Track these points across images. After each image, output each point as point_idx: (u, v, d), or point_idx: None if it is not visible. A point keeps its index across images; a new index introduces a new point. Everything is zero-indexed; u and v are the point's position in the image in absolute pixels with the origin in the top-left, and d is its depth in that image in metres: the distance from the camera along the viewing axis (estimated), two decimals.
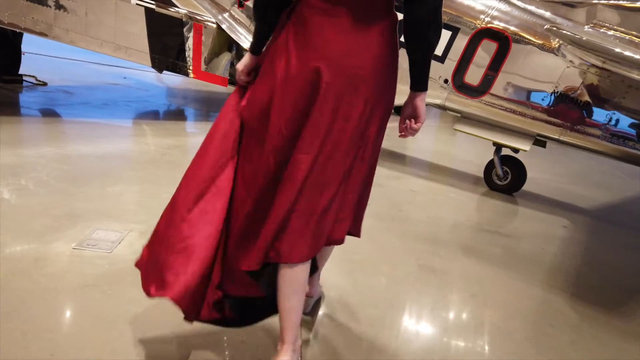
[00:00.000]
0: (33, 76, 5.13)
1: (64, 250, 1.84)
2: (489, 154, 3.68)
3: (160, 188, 2.58)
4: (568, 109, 3.18)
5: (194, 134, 4.05)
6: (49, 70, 5.71)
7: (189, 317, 1.29)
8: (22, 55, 4.96)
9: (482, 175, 3.81)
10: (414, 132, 1.32)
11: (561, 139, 3.26)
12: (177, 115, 5.05)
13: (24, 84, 4.92)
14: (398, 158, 4.40)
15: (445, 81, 3.51)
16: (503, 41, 3.32)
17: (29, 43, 4.83)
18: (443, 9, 1.20)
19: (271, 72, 1.23)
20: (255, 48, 1.30)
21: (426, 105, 1.34)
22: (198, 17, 4.28)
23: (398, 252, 2.32)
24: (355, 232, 1.41)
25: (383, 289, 1.94)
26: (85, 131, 3.51)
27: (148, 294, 1.24)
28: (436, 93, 3.55)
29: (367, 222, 1.44)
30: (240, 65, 1.30)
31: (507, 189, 3.67)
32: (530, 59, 3.26)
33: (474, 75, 3.42)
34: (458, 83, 3.47)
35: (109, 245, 1.94)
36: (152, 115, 4.68)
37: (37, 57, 6.23)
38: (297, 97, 1.19)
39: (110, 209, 2.26)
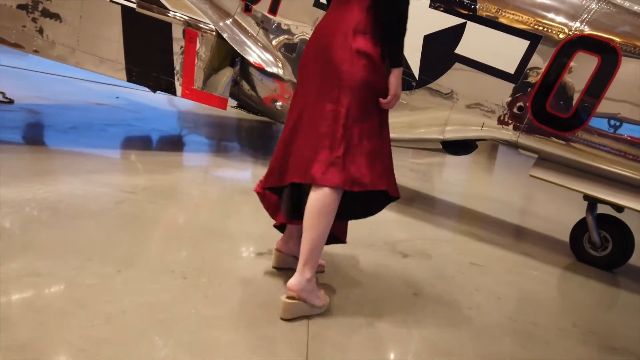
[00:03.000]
0: (1, 92, 4.30)
1: None
2: (563, 205, 2.66)
3: (75, 265, 1.61)
4: None
5: (178, 170, 3.10)
6: (28, 87, 4.88)
7: None
8: None
9: (560, 234, 2.78)
10: (385, 106, 1.59)
11: None
12: (169, 144, 4.12)
13: None
14: (438, 207, 3.38)
15: (520, 109, 2.52)
16: (608, 54, 2.33)
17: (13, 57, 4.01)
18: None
19: None
20: None
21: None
22: (193, 22, 3.40)
23: None
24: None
25: None
26: (21, 164, 2.59)
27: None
28: (504, 125, 2.56)
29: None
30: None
31: (605, 263, 2.61)
32: None
33: (562, 102, 2.43)
34: (539, 112, 2.48)
35: None
36: (133, 143, 3.76)
37: (18, 71, 5.44)
38: None
39: None
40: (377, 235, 2.40)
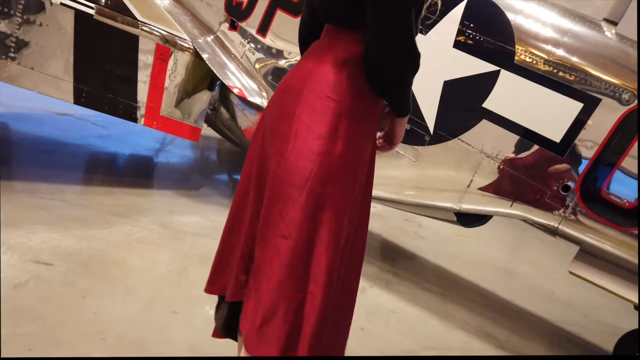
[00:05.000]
0: None
1: None
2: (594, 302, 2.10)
3: None
4: None
5: (125, 219, 2.37)
6: None
7: None
8: None
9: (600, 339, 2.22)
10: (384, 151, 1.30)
11: None
12: (129, 175, 3.50)
13: None
14: (458, 287, 2.80)
15: (565, 189, 1.96)
16: None
17: None
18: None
19: None
20: None
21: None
22: (165, 37, 2.82)
23: None
24: None
25: None
26: None
27: None
28: (542, 205, 2.00)
29: None
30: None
31: None
32: None
33: (625, 186, 1.87)
34: (591, 196, 1.92)
35: None
36: (80, 174, 3.13)
37: None
38: None
39: None
40: None
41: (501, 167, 2.11)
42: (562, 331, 2.48)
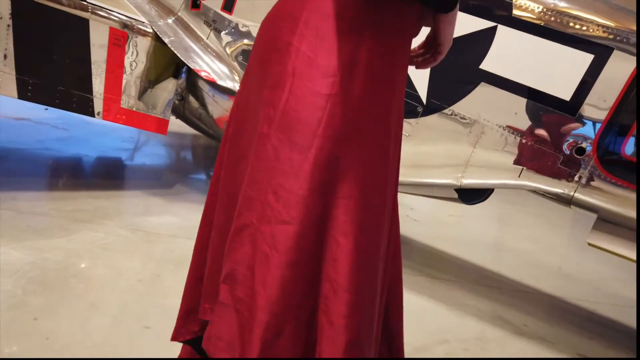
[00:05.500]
0: None
1: None
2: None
3: None
4: None
5: (88, 225, 2.05)
6: None
7: None
8: None
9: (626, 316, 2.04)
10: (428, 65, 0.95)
11: None
12: (91, 178, 3.19)
13: None
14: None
15: (580, 151, 1.75)
16: None
17: None
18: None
19: None
20: None
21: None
22: (120, 20, 2.53)
23: None
24: None
25: None
26: None
27: None
28: (553, 173, 1.80)
29: None
30: None
31: None
32: None
33: None
34: (609, 157, 1.72)
35: None
36: (36, 180, 2.80)
37: None
38: None
39: None
40: None
41: (505, 134, 1.90)
42: (579, 309, 2.29)
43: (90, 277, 1.72)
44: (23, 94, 2.29)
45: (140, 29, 2.63)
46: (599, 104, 1.71)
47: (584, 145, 1.74)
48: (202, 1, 2.73)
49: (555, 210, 4.90)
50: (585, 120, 1.74)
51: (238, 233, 0.77)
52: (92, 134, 4.13)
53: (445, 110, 2.02)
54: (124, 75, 2.58)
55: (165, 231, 2.24)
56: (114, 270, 1.78)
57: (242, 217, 0.77)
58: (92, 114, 2.49)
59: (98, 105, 2.51)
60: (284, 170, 0.73)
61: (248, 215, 0.76)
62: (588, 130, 1.74)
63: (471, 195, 2.25)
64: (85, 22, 2.43)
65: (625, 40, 1.69)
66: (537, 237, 3.73)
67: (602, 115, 1.72)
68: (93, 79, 2.47)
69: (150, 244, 2.08)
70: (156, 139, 4.35)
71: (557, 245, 3.77)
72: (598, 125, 1.72)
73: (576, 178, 1.76)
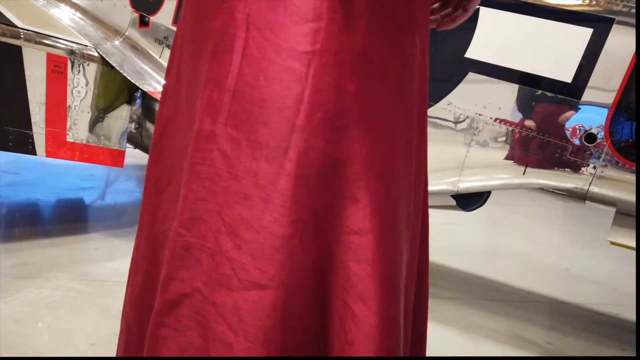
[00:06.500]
0: None
1: None
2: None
3: None
4: None
5: (34, 281, 1.80)
6: None
7: None
8: None
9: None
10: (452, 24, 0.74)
11: None
12: (46, 219, 2.87)
13: None
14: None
15: (590, 138, 1.54)
16: None
17: None
18: None
19: None
20: None
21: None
22: (58, 45, 2.25)
23: None
24: None
25: None
26: None
27: None
28: (562, 165, 1.58)
29: None
30: None
31: None
32: None
33: None
34: (623, 140, 1.51)
35: None
36: None
37: None
38: None
39: None
40: None
41: (503, 127, 1.68)
42: (601, 315, 2.06)
43: (30, 346, 1.41)
44: None
45: (84, 53, 2.36)
46: (606, 82, 1.51)
47: (594, 131, 1.53)
48: (151, 17, 2.48)
49: (547, 207, 4.73)
50: (591, 103, 1.53)
51: (170, 311, 0.46)
52: (48, 176, 3.79)
53: (432, 108, 1.79)
54: (69, 106, 2.30)
55: (126, 278, 1.94)
56: (61, 334, 1.47)
57: (174, 283, 0.47)
58: (33, 152, 2.19)
59: (40, 141, 2.21)
60: (244, 194, 0.43)
61: (187, 276, 0.46)
62: (597, 114, 1.53)
63: (470, 201, 2.02)
64: (17, 50, 2.15)
65: (626, 8, 1.49)
66: (535, 237, 3.52)
67: (610, 96, 1.51)
68: (31, 112, 2.18)
69: (107, 296, 1.77)
70: (125, 173, 4.03)
71: (557, 244, 3.57)
72: (607, 108, 1.51)
73: (590, 169, 1.54)
